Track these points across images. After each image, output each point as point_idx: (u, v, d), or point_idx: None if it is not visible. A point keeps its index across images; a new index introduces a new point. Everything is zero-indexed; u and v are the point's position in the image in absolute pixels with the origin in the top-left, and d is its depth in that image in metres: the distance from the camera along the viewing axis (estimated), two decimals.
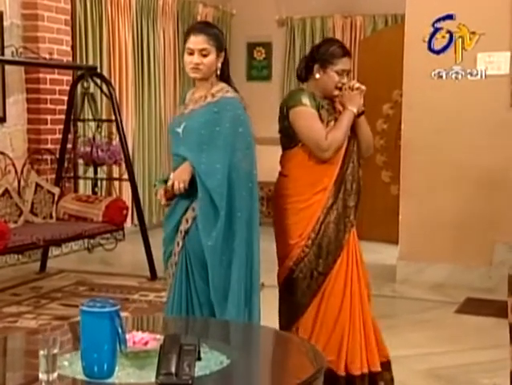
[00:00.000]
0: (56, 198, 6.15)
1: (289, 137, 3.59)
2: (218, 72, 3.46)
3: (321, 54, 3.56)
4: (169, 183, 3.38)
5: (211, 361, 2.42)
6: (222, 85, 3.47)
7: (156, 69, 8.83)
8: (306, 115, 3.52)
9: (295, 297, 3.62)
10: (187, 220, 3.44)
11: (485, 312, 5.32)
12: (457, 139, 5.95)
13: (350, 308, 3.59)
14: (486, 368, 4.14)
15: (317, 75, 3.55)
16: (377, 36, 8.45)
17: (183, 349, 2.33)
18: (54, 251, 6.87)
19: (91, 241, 6.99)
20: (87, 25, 7.63)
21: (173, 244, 3.48)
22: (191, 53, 3.39)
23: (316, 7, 9.97)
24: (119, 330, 2.32)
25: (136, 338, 2.52)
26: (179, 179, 3.36)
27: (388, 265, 6.45)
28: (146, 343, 2.49)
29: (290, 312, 3.66)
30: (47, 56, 6.52)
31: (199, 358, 2.37)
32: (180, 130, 3.44)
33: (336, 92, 3.54)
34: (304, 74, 3.64)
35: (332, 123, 3.54)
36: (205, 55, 3.38)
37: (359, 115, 3.56)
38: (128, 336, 2.48)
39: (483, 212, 5.89)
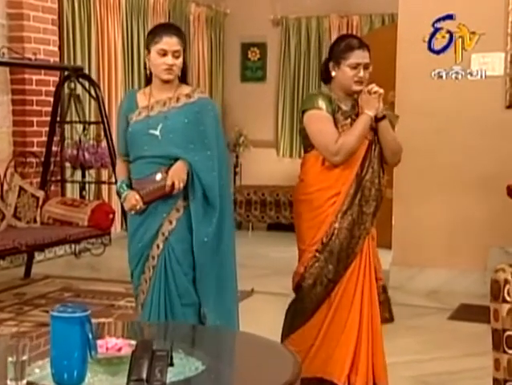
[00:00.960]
0: (41, 202, 6.17)
1: (306, 141, 3.62)
2: (179, 73, 3.55)
3: (334, 51, 3.58)
4: (169, 182, 3.43)
5: (186, 367, 2.45)
6: (188, 86, 3.61)
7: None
8: (318, 119, 3.53)
9: (303, 303, 3.64)
10: (170, 222, 3.50)
11: (479, 318, 5.33)
12: (450, 142, 5.98)
13: (359, 320, 3.55)
14: (475, 375, 4.15)
15: (333, 73, 3.56)
16: (372, 36, 8.46)
17: (155, 355, 2.35)
18: (40, 256, 6.90)
19: (78, 246, 7.03)
20: (75, 24, 7.67)
21: (149, 249, 3.53)
22: (164, 54, 3.45)
23: (312, 7, 10.01)
24: (90, 336, 2.34)
25: (109, 344, 2.54)
26: (179, 178, 3.43)
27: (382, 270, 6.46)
28: (120, 349, 2.51)
29: (295, 319, 3.68)
30: (32, 56, 6.53)
31: (171, 364, 2.39)
32: (157, 132, 3.48)
33: (356, 87, 3.51)
34: (326, 76, 3.65)
35: (348, 126, 3.52)
36: (177, 57, 3.46)
37: (379, 119, 3.52)
38: (101, 342, 2.51)
39: (477, 216, 5.91)
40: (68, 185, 7.57)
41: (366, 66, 3.55)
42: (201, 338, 3.04)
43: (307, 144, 3.61)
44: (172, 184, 3.44)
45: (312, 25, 10.18)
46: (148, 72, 3.57)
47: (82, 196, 7.08)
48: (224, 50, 10.61)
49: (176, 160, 3.47)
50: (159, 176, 3.47)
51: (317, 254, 3.57)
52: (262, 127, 10.19)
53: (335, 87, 3.59)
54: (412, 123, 6.04)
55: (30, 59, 6.51)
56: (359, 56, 3.52)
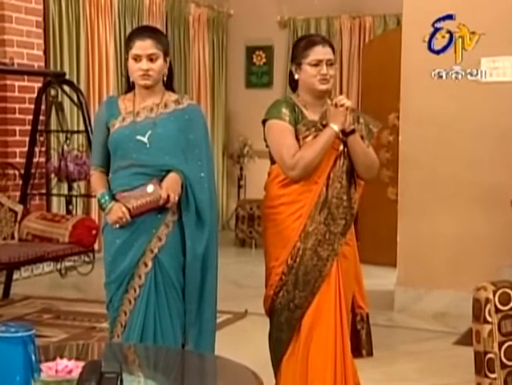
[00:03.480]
0: (19, 217, 6.26)
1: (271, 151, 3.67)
2: (165, 78, 3.61)
3: (294, 53, 3.63)
4: (164, 195, 3.45)
5: None
6: (174, 94, 3.67)
7: None
8: (277, 129, 3.56)
9: (278, 332, 3.66)
10: (160, 238, 3.55)
11: None
12: (455, 152, 6.00)
13: (334, 354, 3.52)
14: None
15: (296, 76, 3.61)
16: (381, 39, 8.54)
17: (104, 377, 2.41)
18: (25, 273, 7.00)
19: (64, 264, 7.11)
20: (62, 27, 7.77)
21: (135, 267, 3.57)
22: (137, 59, 3.52)
23: (321, 7, 10.08)
24: (33, 358, 2.40)
25: (59, 365, 2.59)
26: (174, 191, 3.48)
27: (386, 291, 6.49)
28: (70, 372, 2.56)
29: (276, 351, 3.70)
30: (7, 61, 6.64)
31: None
32: (145, 139, 3.53)
33: (321, 86, 3.53)
34: (291, 82, 3.69)
35: (310, 138, 3.55)
36: (153, 60, 3.52)
37: (347, 134, 3.52)
38: (51, 364, 2.56)
39: (486, 233, 5.93)
40: (54, 199, 7.67)
41: (329, 63, 3.57)
42: (169, 361, 3.09)
43: (272, 155, 3.65)
44: (167, 198, 3.48)
45: (322, 26, 10.25)
46: (131, 80, 3.62)
47: (68, 211, 7.17)
48: (227, 54, 10.71)
49: (167, 170, 3.52)
50: (151, 188, 3.48)
51: (283, 277, 3.58)
52: None
53: (301, 92, 3.62)
54: (418, 131, 6.08)
55: (5, 64, 6.61)
56: (319, 52, 3.55)
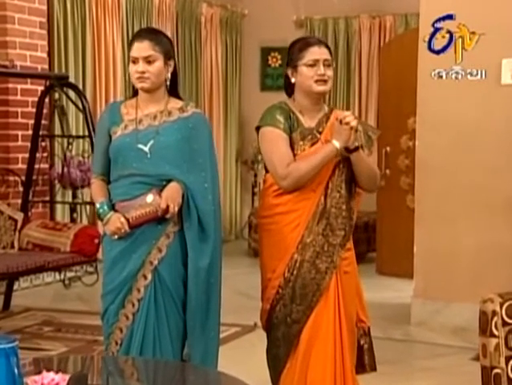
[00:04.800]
0: (19, 225, 6.30)
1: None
2: (168, 83, 3.63)
3: (290, 56, 3.65)
4: (163, 205, 3.48)
5: None
6: (179, 100, 3.69)
7: None
8: (271, 137, 3.58)
9: (275, 348, 3.67)
10: (160, 250, 3.57)
11: None
12: (477, 158, 5.98)
13: (333, 371, 3.53)
14: None
15: (292, 80, 3.63)
16: (400, 39, 8.53)
17: None
18: (24, 283, 7.04)
19: (68, 274, 7.17)
20: (67, 28, 7.83)
21: (133, 280, 3.59)
22: (135, 61, 3.55)
23: (339, 6, 10.12)
24: (15, 371, 2.43)
25: (45, 379, 2.62)
26: (174, 201, 3.50)
27: (404, 304, 6.48)
28: None
29: (274, 368, 3.71)
30: (8, 63, 6.70)
31: None
32: (146, 148, 3.55)
33: (318, 87, 3.54)
34: (287, 87, 3.71)
35: (307, 147, 3.57)
36: (150, 62, 3.54)
37: (351, 151, 3.53)
38: (37, 377, 2.60)
39: (509, 243, 5.90)
40: (59, 207, 7.73)
41: (327, 63, 3.58)
42: (165, 376, 3.11)
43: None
44: (166, 208, 3.50)
45: (340, 26, 10.29)
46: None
47: (72, 219, 7.22)
48: (241, 56, 10.75)
49: (168, 180, 3.54)
50: (150, 198, 3.51)
51: (280, 290, 3.59)
52: None
53: (298, 96, 3.64)
54: (435, 136, 6.07)
55: (5, 66, 6.68)
56: (315, 52, 3.56)
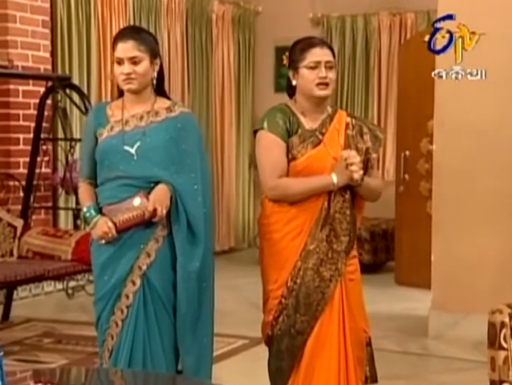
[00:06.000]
0: (19, 232, 6.34)
1: None
2: (154, 82, 3.69)
3: (291, 57, 3.68)
4: (150, 208, 3.53)
5: None
6: (166, 100, 3.75)
7: None
8: (266, 143, 3.61)
9: (278, 361, 3.68)
10: (149, 254, 3.62)
11: None
12: (497, 163, 5.97)
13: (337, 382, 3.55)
14: None
15: (293, 82, 3.66)
16: (420, 37, 8.49)
17: None
18: (23, 293, 7.08)
19: (70, 283, 7.22)
20: (71, 27, 7.85)
21: (121, 286, 3.64)
22: (120, 62, 3.60)
23: (358, 3, 10.12)
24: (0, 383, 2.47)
25: None
26: (161, 204, 3.55)
27: (421, 316, 6.48)
28: None
29: (275, 379, 3.72)
30: (7, 64, 6.75)
31: None
32: (132, 149, 3.61)
33: (319, 92, 3.56)
34: (289, 89, 3.76)
35: (309, 149, 3.59)
36: (136, 63, 3.59)
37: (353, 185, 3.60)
38: None
39: None
40: (62, 213, 7.77)
41: (329, 66, 3.60)
42: None
43: None
44: (154, 211, 3.56)
45: (358, 24, 10.28)
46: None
47: (76, 226, 7.26)
48: (254, 56, 10.77)
49: (156, 182, 3.60)
50: (137, 201, 3.57)
51: (283, 300, 3.60)
52: None
53: (299, 99, 3.67)
54: (453, 141, 6.07)
55: (5, 67, 6.73)
56: (317, 54, 3.59)
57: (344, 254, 3.60)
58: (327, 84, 3.58)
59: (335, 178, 3.53)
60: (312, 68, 3.57)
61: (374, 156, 3.68)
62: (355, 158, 3.51)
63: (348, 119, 3.72)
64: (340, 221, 3.59)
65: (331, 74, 3.60)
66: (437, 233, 6.22)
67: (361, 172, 3.54)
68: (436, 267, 6.23)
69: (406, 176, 8.14)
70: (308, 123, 3.64)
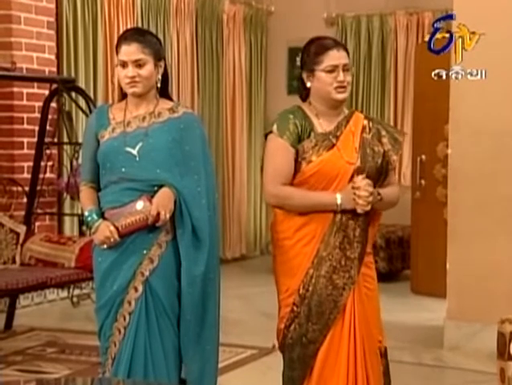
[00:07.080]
0: (21, 239, 6.38)
1: None
2: (158, 85, 3.74)
3: (305, 59, 3.71)
4: (153, 212, 3.57)
5: None
6: (169, 101, 3.80)
7: None
8: (273, 147, 3.64)
9: (290, 370, 3.70)
10: (151, 260, 3.67)
11: None
12: None
13: None
14: None
15: (308, 84, 3.68)
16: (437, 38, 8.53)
17: None
18: (25, 301, 7.12)
19: (75, 291, 7.25)
20: (77, 28, 7.91)
21: (124, 293, 3.68)
22: (124, 65, 3.65)
23: (374, 3, 10.17)
24: None
25: None
26: (165, 208, 3.59)
27: (437, 326, 6.48)
28: None
29: None
30: (10, 66, 6.80)
31: None
32: (134, 151, 3.65)
33: (338, 95, 3.59)
34: (302, 91, 3.77)
35: (323, 152, 3.60)
36: (140, 66, 3.63)
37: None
38: None
39: None
40: (67, 219, 7.82)
41: (346, 68, 3.63)
42: None
43: None
44: (157, 215, 3.59)
45: (374, 24, 10.30)
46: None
47: (81, 233, 7.30)
48: (267, 57, 10.81)
49: (159, 186, 3.64)
50: (140, 205, 3.61)
51: (295, 308, 3.62)
52: None
53: (314, 102, 3.69)
54: (470, 145, 6.07)
55: (7, 69, 6.78)
56: (334, 57, 3.61)
57: (358, 261, 3.62)
58: (344, 87, 3.62)
59: (339, 199, 3.56)
60: (330, 72, 3.60)
61: (394, 157, 3.70)
62: (364, 191, 3.54)
63: (365, 122, 3.74)
64: (353, 228, 3.62)
65: (349, 77, 3.65)
66: (453, 240, 6.22)
67: (368, 207, 3.56)
68: (451, 276, 6.22)
69: (422, 182, 8.14)
70: (322, 126, 3.66)
